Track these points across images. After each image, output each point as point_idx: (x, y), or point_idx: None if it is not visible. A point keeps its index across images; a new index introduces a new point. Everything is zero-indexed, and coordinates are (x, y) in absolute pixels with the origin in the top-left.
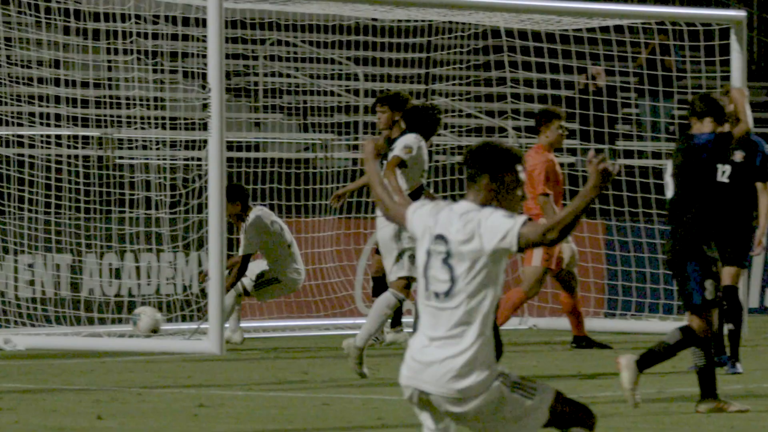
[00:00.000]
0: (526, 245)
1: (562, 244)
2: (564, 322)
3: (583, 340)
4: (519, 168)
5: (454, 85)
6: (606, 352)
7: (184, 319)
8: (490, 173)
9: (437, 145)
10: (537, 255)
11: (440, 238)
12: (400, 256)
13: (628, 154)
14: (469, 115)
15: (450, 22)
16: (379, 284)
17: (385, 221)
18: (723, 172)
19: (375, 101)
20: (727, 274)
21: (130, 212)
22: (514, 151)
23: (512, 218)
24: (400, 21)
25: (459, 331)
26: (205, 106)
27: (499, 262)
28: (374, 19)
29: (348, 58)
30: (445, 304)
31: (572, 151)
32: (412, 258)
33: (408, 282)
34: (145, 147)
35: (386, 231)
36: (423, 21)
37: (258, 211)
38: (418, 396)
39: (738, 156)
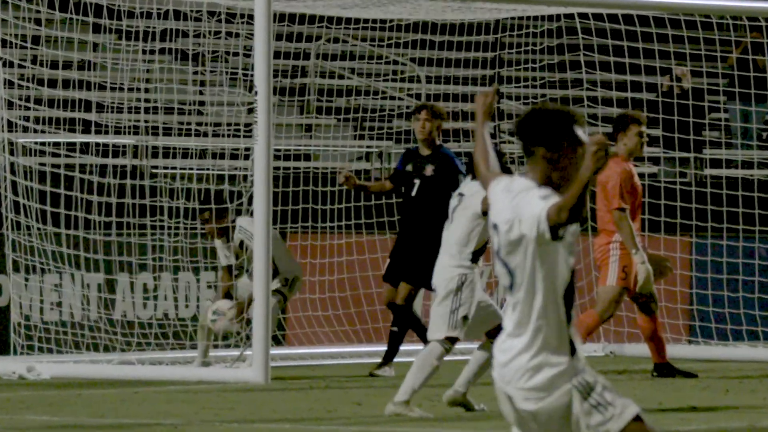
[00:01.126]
0: (553, 226)
1: (636, 264)
2: (644, 349)
3: (664, 368)
4: (578, 130)
5: (525, 87)
6: (690, 381)
7: (226, 345)
8: (545, 144)
9: (510, 153)
10: (612, 274)
11: (494, 228)
12: (453, 312)
13: (716, 163)
14: None
15: (521, 18)
16: (397, 311)
17: (446, 262)
18: None
19: (418, 107)
20: None
21: (168, 228)
22: (568, 111)
23: (545, 199)
24: (464, 20)
25: (526, 326)
26: (250, 111)
27: (550, 246)
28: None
29: (409, 58)
30: (512, 297)
31: (654, 161)
32: (465, 320)
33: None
34: (184, 156)
35: (445, 274)
36: (491, 18)
37: (246, 221)
38: (507, 400)
39: None
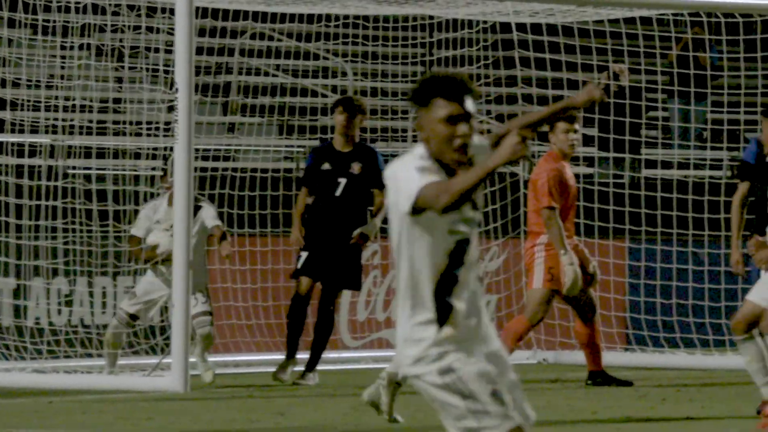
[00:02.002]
0: (422, 207)
1: (564, 265)
2: (578, 356)
3: (599, 376)
4: (452, 98)
5: None
6: (626, 390)
7: (145, 352)
8: (418, 104)
9: None
10: (538, 276)
11: None
12: None
13: (652, 163)
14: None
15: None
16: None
17: None
18: None
19: (337, 102)
20: None
21: (84, 230)
22: (453, 76)
23: (421, 173)
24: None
25: (401, 301)
26: (171, 109)
27: (420, 223)
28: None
29: (335, 54)
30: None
31: (589, 161)
32: None
33: None
34: (102, 156)
35: None
36: (423, 12)
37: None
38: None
39: None
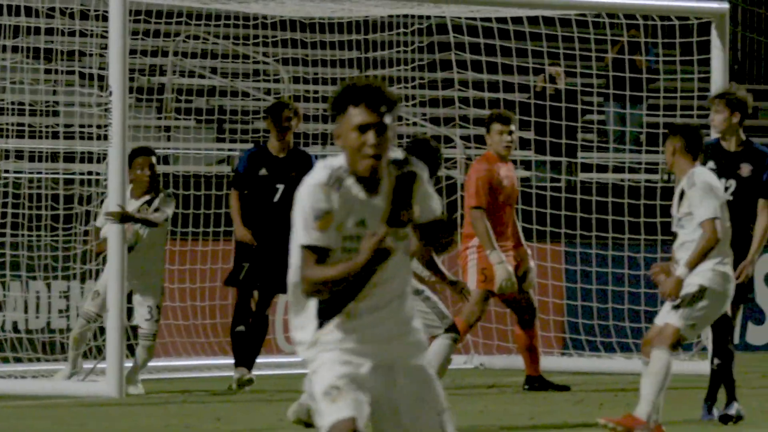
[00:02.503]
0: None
1: (494, 264)
2: (515, 361)
3: (537, 381)
4: (366, 106)
5: (395, 88)
6: (563, 395)
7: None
8: (335, 111)
9: None
10: (472, 278)
11: None
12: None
13: (588, 167)
14: (412, 123)
15: (390, 16)
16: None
17: None
18: (726, 188)
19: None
20: None
21: (15, 235)
22: (370, 84)
23: (306, 229)
24: (332, 18)
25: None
26: (105, 112)
27: None
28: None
29: (270, 56)
30: None
31: (526, 164)
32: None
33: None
34: (34, 159)
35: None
36: (359, 14)
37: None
38: None
39: (745, 170)
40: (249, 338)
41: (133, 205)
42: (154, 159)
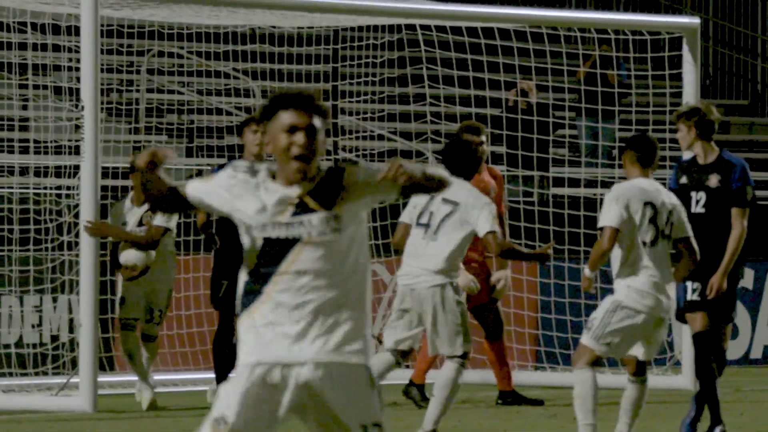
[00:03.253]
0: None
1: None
2: (487, 375)
3: (510, 396)
4: (296, 108)
5: (364, 102)
6: (537, 409)
7: (53, 372)
8: (264, 117)
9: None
10: None
11: None
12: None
13: (560, 181)
14: (382, 137)
15: (360, 29)
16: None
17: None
18: (697, 201)
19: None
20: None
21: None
22: (300, 91)
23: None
24: (301, 28)
25: None
26: (77, 127)
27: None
28: (273, 27)
29: (242, 71)
30: None
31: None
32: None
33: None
34: (5, 174)
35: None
36: (329, 28)
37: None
38: None
39: (713, 181)
40: (233, 356)
41: (135, 213)
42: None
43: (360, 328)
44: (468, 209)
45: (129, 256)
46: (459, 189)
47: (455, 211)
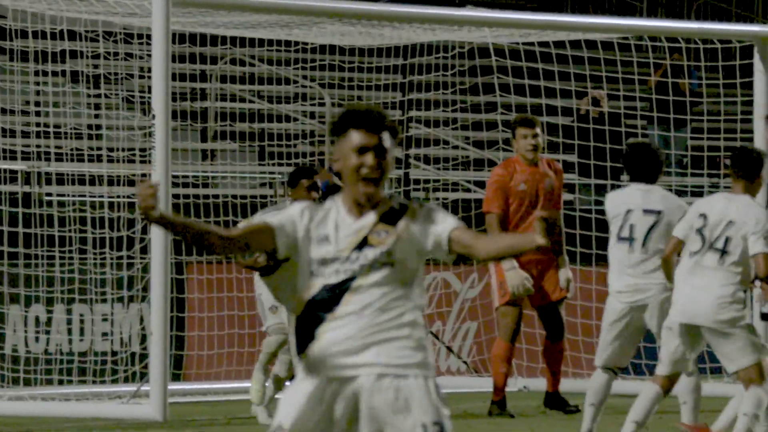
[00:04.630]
0: None
1: (505, 271)
2: (570, 384)
3: (552, 399)
4: (366, 129)
5: (436, 111)
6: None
7: (123, 380)
8: (334, 134)
9: (418, 182)
10: (494, 294)
11: None
12: None
13: None
14: (454, 147)
15: (431, 40)
16: None
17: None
18: None
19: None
20: None
21: (62, 257)
22: (371, 109)
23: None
24: (372, 42)
25: None
26: (149, 135)
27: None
28: (343, 35)
29: (313, 80)
30: None
31: (569, 188)
32: None
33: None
34: (79, 182)
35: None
36: (399, 40)
37: None
38: None
39: None
40: None
41: None
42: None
43: (418, 341)
44: (672, 214)
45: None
46: (655, 196)
47: (659, 220)
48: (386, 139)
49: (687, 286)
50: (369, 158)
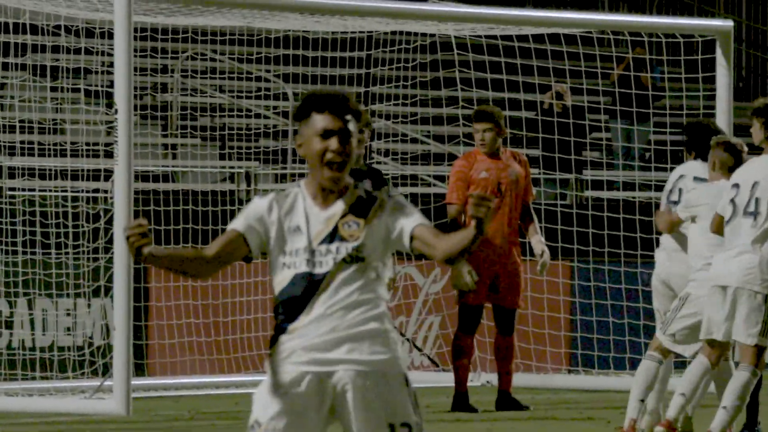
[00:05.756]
0: None
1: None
2: (522, 378)
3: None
4: (330, 112)
5: (397, 105)
6: (572, 412)
7: (87, 375)
8: (297, 119)
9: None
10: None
11: None
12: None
13: (598, 184)
14: (414, 140)
15: (393, 33)
16: None
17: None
18: None
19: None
20: None
21: (24, 252)
22: (336, 93)
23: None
24: (335, 32)
25: None
26: (110, 129)
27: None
28: (305, 30)
29: (275, 75)
30: None
31: (534, 182)
32: None
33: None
34: (41, 177)
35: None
36: (362, 32)
37: None
38: None
39: None
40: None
41: None
42: None
43: (390, 336)
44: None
45: None
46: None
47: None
48: (350, 122)
49: (722, 253)
50: (333, 142)
